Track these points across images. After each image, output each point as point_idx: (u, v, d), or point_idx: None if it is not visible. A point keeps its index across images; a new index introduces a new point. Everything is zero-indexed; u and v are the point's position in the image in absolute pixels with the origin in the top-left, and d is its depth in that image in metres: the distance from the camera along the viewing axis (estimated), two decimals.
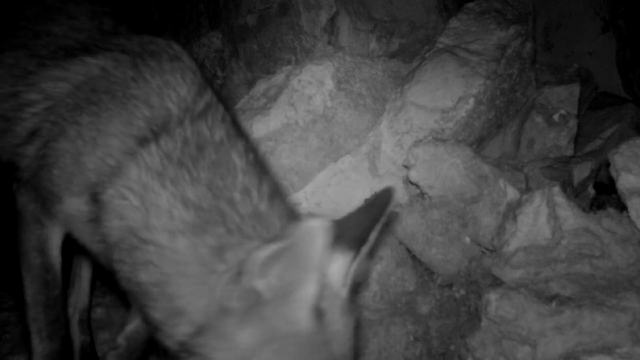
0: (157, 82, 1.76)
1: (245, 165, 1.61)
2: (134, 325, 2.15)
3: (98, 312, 2.84)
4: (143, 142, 1.64)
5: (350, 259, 1.37)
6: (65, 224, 1.85)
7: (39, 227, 1.89)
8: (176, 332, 1.44)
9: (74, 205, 1.74)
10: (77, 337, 2.52)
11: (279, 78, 2.87)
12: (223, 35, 3.74)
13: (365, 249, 1.39)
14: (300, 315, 1.27)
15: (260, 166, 1.67)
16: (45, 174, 1.80)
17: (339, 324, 1.33)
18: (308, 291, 1.25)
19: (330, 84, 2.74)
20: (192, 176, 1.55)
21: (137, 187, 1.58)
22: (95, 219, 1.67)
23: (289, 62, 3.34)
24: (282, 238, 1.22)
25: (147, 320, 1.55)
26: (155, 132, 1.65)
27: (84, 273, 2.62)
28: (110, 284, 2.99)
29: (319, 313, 1.29)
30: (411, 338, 2.25)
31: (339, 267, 1.37)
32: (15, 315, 2.85)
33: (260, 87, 2.90)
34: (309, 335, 1.28)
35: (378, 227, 1.43)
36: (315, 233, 1.16)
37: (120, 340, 2.14)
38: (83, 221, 1.73)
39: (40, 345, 1.95)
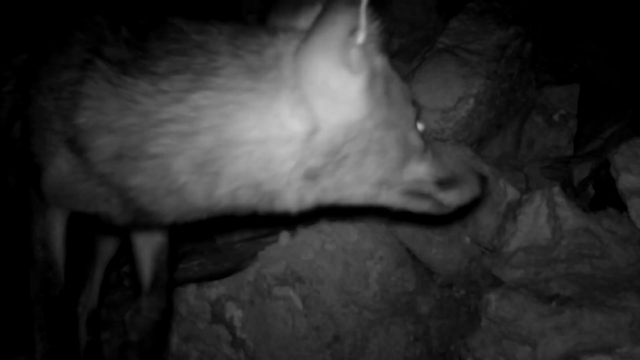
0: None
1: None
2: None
3: None
4: (86, 64, 1.62)
5: None
6: (58, 200, 1.82)
7: (41, 217, 1.90)
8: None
9: (58, 165, 1.70)
10: (84, 337, 2.53)
11: None
12: None
13: None
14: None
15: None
16: (27, 149, 1.78)
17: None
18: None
19: None
20: (133, 65, 1.53)
21: (94, 103, 1.56)
22: (84, 161, 1.62)
23: None
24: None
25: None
26: (93, 49, 1.62)
27: (96, 275, 2.65)
28: (111, 285, 3.00)
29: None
30: (411, 338, 2.25)
31: None
32: (15, 315, 2.86)
33: None
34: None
35: None
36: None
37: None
38: (74, 176, 1.68)
39: (40, 344, 1.96)
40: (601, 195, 2.86)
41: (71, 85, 1.63)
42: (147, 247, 2.26)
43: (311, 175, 1.42)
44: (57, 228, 1.92)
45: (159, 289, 2.22)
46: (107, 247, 2.64)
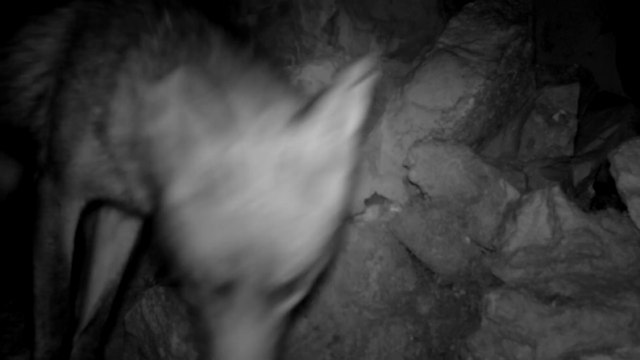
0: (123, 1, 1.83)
1: (222, 43, 1.68)
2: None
3: None
4: (122, 49, 1.70)
5: None
6: (83, 186, 1.84)
7: (57, 209, 1.87)
8: None
9: (86, 151, 1.75)
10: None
11: None
12: None
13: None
14: None
15: (241, 46, 1.72)
16: (56, 135, 1.80)
17: None
18: None
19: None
20: (171, 58, 1.63)
21: (127, 91, 1.66)
22: (106, 142, 1.71)
23: (289, 62, 3.34)
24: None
25: None
26: (132, 34, 1.71)
27: (91, 277, 2.63)
28: None
29: None
30: (411, 338, 2.25)
31: None
32: (15, 315, 2.86)
33: None
34: None
35: None
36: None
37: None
38: (100, 163, 1.75)
39: (42, 340, 1.92)
40: (601, 195, 2.86)
41: (109, 70, 1.73)
42: (100, 282, 2.22)
43: None
44: (71, 221, 1.90)
45: (95, 327, 2.19)
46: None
